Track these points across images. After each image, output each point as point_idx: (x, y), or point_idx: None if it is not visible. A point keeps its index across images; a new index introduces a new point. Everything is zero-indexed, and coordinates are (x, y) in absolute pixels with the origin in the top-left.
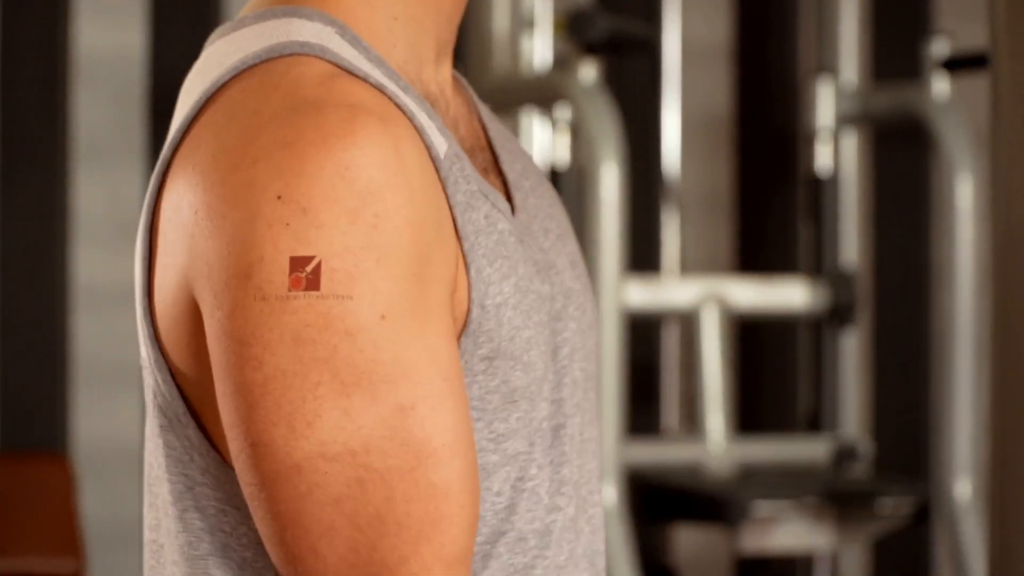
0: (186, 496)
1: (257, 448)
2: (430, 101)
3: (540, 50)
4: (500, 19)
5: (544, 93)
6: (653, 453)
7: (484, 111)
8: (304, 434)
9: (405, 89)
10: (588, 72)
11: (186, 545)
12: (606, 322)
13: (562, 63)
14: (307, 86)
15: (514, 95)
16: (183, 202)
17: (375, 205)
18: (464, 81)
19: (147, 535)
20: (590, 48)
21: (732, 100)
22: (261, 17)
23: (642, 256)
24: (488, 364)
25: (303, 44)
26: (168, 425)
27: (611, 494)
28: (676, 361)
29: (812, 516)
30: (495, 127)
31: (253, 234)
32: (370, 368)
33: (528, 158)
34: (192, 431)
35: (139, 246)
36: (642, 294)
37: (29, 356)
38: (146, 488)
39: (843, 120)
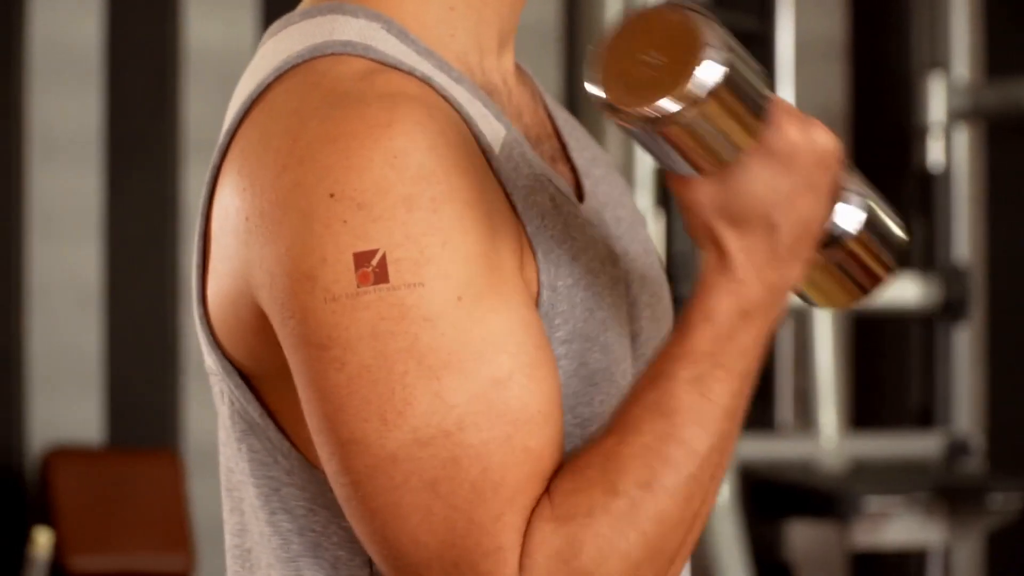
0: (273, 498)
1: (349, 446)
2: (492, 90)
3: None
4: (612, 14)
5: None
6: (766, 449)
7: (550, 101)
8: (396, 423)
9: (458, 79)
10: None
11: (279, 548)
12: None
13: None
14: (348, 82)
15: None
16: (231, 208)
17: (431, 189)
18: (529, 71)
19: (230, 540)
20: None
21: (845, 95)
22: (307, 15)
23: None
24: (568, 348)
25: (345, 43)
26: (249, 429)
27: (723, 489)
28: (790, 357)
29: (924, 511)
30: (562, 116)
31: (311, 236)
32: (456, 348)
33: (597, 147)
34: (272, 433)
35: (195, 255)
36: None
37: (139, 351)
38: (225, 493)
39: (955, 115)
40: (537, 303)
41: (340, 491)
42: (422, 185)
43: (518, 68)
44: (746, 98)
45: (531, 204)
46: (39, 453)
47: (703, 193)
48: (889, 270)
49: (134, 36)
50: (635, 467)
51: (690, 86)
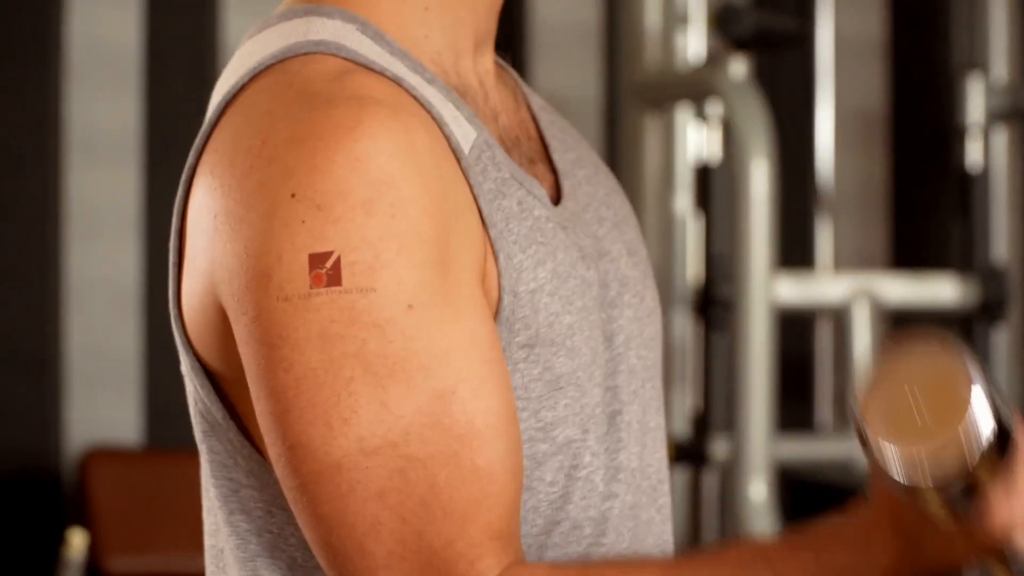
0: (232, 499)
1: (295, 450)
2: (467, 91)
3: (694, 46)
4: (652, 14)
5: (696, 89)
6: (805, 449)
7: (535, 100)
8: (342, 431)
9: (431, 80)
10: (738, 68)
11: (236, 548)
12: (755, 318)
13: (715, 59)
14: (318, 82)
15: (666, 91)
16: (203, 207)
17: (390, 195)
18: (511, 70)
19: (206, 540)
20: (740, 43)
21: (886, 96)
22: (284, 16)
23: (796, 252)
24: (528, 352)
25: (318, 43)
26: (210, 430)
27: (761, 489)
28: (829, 358)
29: None
30: (547, 117)
31: (270, 235)
32: (403, 357)
33: (585, 147)
34: (234, 434)
35: (171, 254)
36: (794, 290)
37: (178, 352)
38: (203, 493)
39: (993, 116)
40: (498, 309)
41: (289, 494)
42: (382, 190)
43: (499, 68)
44: (996, 458)
45: (496, 208)
46: (77, 454)
47: (897, 514)
48: None
49: (173, 37)
50: None
51: (951, 455)
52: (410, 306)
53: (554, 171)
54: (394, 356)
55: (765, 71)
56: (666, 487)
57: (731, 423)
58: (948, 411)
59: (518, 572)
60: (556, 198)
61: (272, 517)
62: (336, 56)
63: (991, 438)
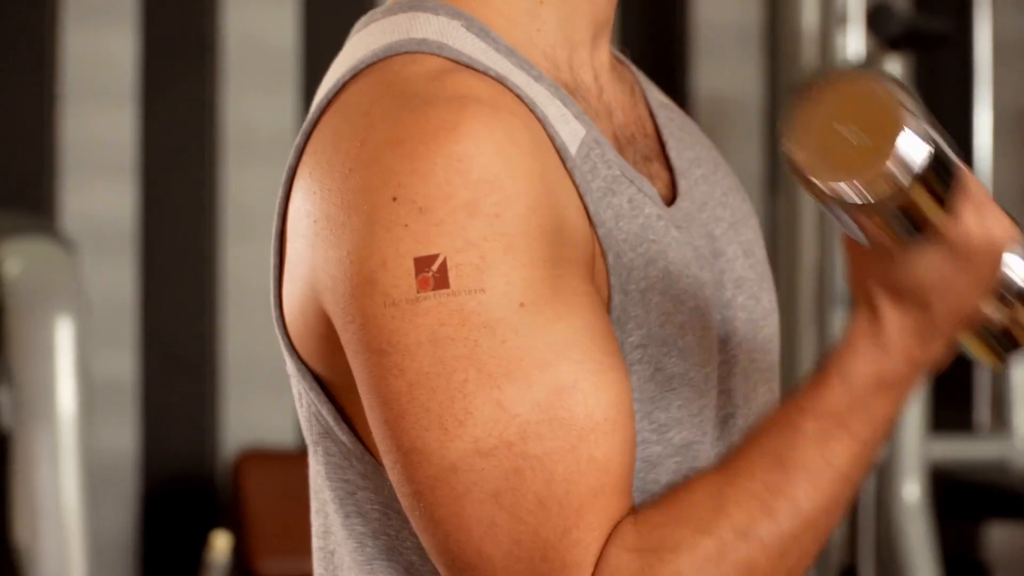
0: (348, 502)
1: (410, 456)
2: (579, 86)
3: (852, 46)
4: (809, 14)
5: None
6: (961, 450)
7: (654, 97)
8: (457, 433)
9: (538, 78)
10: (893, 68)
11: (354, 551)
12: None
13: (872, 59)
14: (418, 83)
15: None
16: (302, 210)
17: (494, 194)
18: (631, 65)
19: (315, 543)
20: (893, 43)
21: None
22: (389, 11)
23: None
24: (643, 352)
25: (420, 41)
26: (324, 433)
27: (914, 490)
28: None
29: None
30: (666, 114)
31: (373, 240)
32: (518, 356)
33: (705, 145)
34: (347, 436)
35: (272, 256)
36: None
37: None
38: (312, 495)
39: None
40: (609, 308)
41: (404, 500)
42: (485, 189)
43: (617, 63)
44: (937, 185)
45: (605, 206)
46: (232, 456)
47: (872, 262)
48: None
49: (329, 36)
50: (736, 511)
51: (889, 170)
52: (521, 304)
53: (670, 169)
54: (508, 355)
55: (923, 71)
56: None
57: None
58: (882, 134)
59: (613, 534)
60: (671, 197)
61: (388, 520)
62: (438, 56)
63: (927, 160)
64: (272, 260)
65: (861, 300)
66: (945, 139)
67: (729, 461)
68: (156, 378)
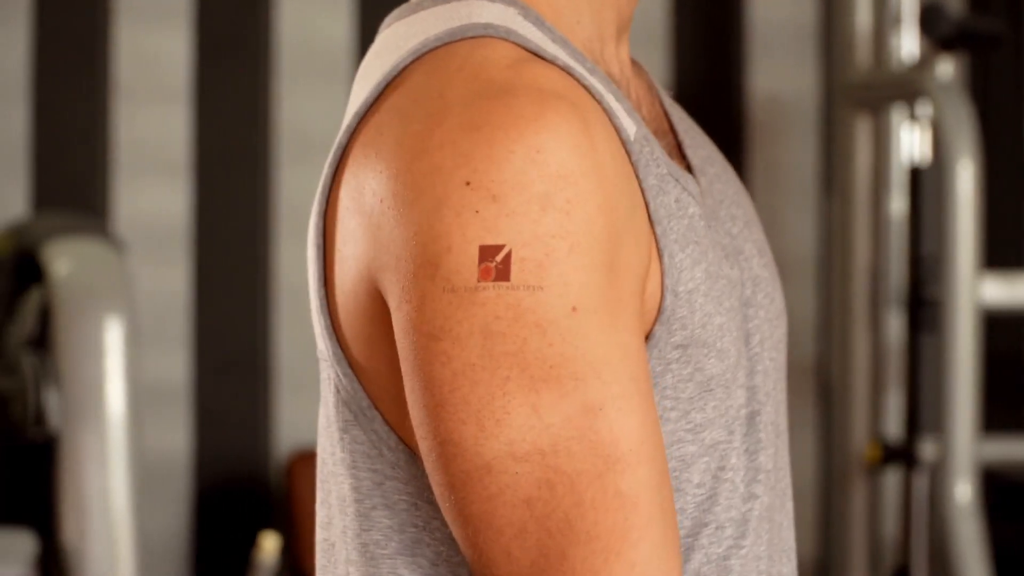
0: (375, 493)
1: (446, 447)
2: (614, 82)
3: (907, 46)
4: (863, 14)
5: (907, 90)
6: (1013, 450)
7: (664, 95)
8: (493, 433)
9: (591, 70)
10: (945, 68)
11: (371, 544)
12: (961, 319)
13: (926, 60)
14: (493, 69)
15: (877, 92)
16: (365, 189)
17: (567, 190)
18: (641, 63)
19: (319, 533)
20: (945, 44)
21: None
22: (436, 1)
23: (1006, 253)
24: (682, 352)
25: (487, 26)
26: (354, 420)
27: (966, 491)
28: None
29: None
30: (677, 113)
31: (441, 222)
32: (559, 363)
33: (712, 146)
34: (379, 424)
35: (313, 235)
36: (1003, 291)
37: None
38: (319, 484)
39: None
40: (660, 308)
41: (437, 489)
42: (560, 184)
43: (633, 60)
44: None
45: (659, 205)
46: (284, 458)
47: None
48: None
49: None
50: None
51: None
52: (574, 309)
53: (689, 168)
54: (551, 360)
55: (977, 72)
56: (791, 491)
57: (939, 424)
58: None
59: None
60: (699, 193)
61: (417, 511)
62: (507, 41)
63: None
64: (314, 240)
65: None
66: None
67: None
68: (209, 379)
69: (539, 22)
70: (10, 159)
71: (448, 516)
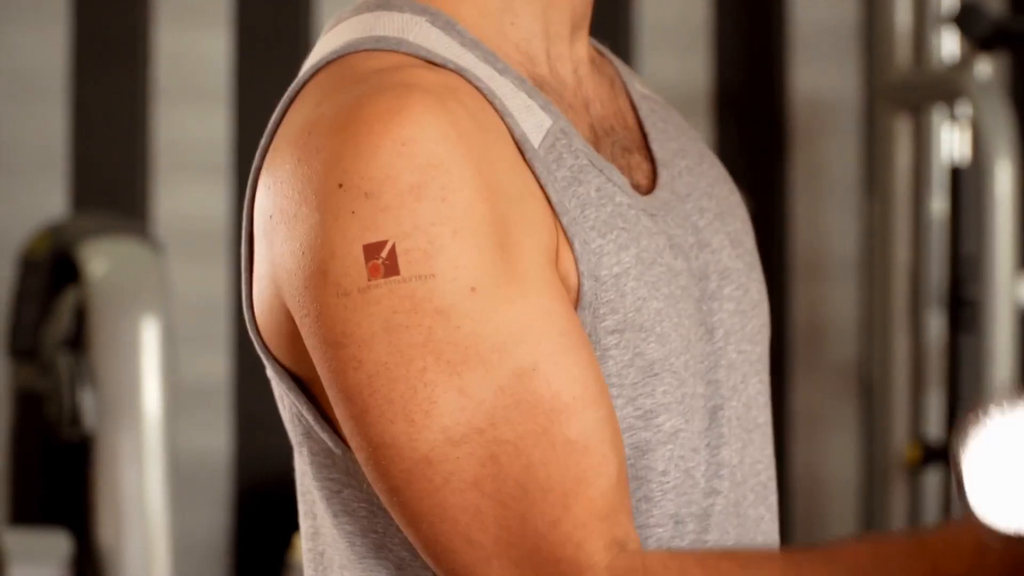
0: (335, 500)
1: (381, 451)
2: (556, 79)
3: (947, 46)
4: (903, 14)
5: (946, 90)
6: None
7: (637, 89)
8: (424, 424)
9: (502, 71)
10: (984, 68)
11: (346, 549)
12: (999, 319)
13: (966, 60)
14: (370, 74)
15: (917, 92)
16: (260, 208)
17: (440, 178)
18: (613, 58)
19: (304, 544)
20: (982, 44)
21: None
22: (356, 10)
23: None
24: (619, 337)
25: (379, 39)
26: (306, 433)
27: None
28: None
29: None
30: (649, 106)
31: (322, 229)
32: (473, 342)
33: (690, 137)
34: (327, 435)
35: (242, 256)
36: None
37: None
38: (299, 496)
39: None
40: (579, 294)
41: (383, 497)
42: (431, 173)
43: (597, 55)
44: None
45: (570, 195)
46: None
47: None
48: None
49: None
50: None
51: None
52: (473, 289)
53: (652, 160)
54: (464, 341)
55: (1018, 72)
56: (774, 485)
57: None
58: None
59: (630, 562)
60: (651, 187)
61: (375, 517)
62: (396, 52)
63: None
64: (243, 263)
65: (977, 559)
66: None
67: (797, 566)
68: (249, 380)
69: (448, 26)
70: (49, 159)
71: (401, 522)
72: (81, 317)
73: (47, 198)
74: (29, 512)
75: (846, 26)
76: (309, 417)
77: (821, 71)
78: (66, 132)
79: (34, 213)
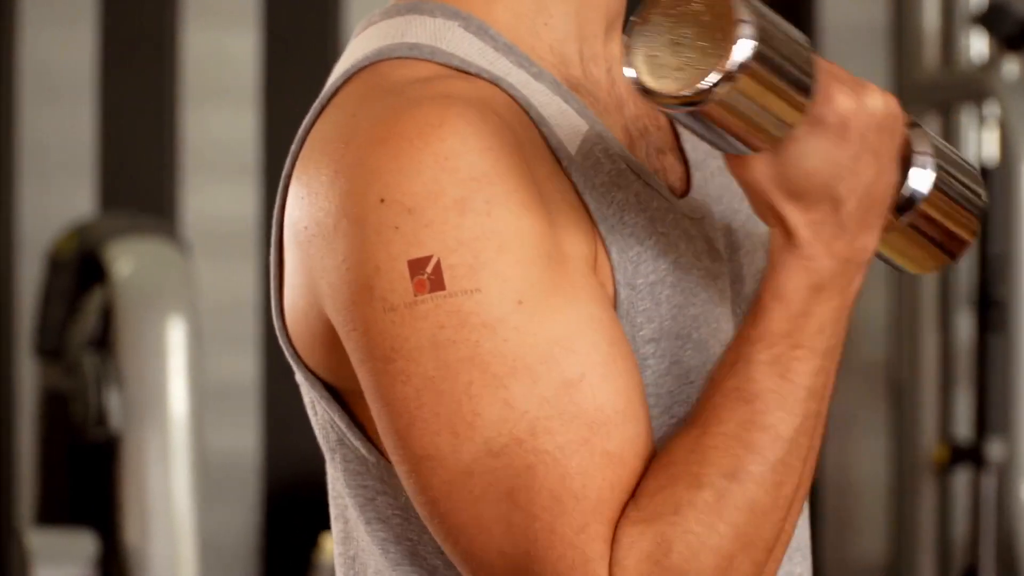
0: (368, 508)
1: (424, 463)
2: (590, 80)
3: (975, 46)
4: (931, 13)
5: (973, 90)
6: None
7: None
8: (468, 436)
9: (537, 75)
10: (1012, 68)
11: (380, 556)
12: None
13: (995, 60)
14: (406, 85)
15: (946, 92)
16: (294, 217)
17: (484, 191)
18: None
19: (336, 548)
20: (1010, 43)
21: None
22: (387, 14)
23: None
24: (655, 346)
25: (412, 46)
26: (339, 440)
27: None
28: None
29: None
30: None
31: (364, 244)
32: (520, 354)
33: None
34: (361, 443)
35: (272, 263)
36: None
37: None
38: (331, 501)
39: None
40: (616, 303)
41: (421, 510)
42: (474, 187)
43: None
44: (786, 71)
45: (608, 201)
46: None
47: (759, 171)
48: (971, 231)
49: None
50: (719, 457)
51: (722, 64)
52: (520, 302)
53: (685, 162)
54: (511, 354)
55: None
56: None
57: (1008, 425)
58: (714, 35)
59: (617, 537)
60: (685, 189)
61: (409, 524)
62: (429, 61)
63: (758, 49)
64: (272, 270)
65: (768, 216)
66: (793, 32)
67: (697, 413)
68: (277, 380)
69: (481, 31)
70: (78, 160)
71: (438, 535)
72: (107, 317)
73: (75, 199)
74: (55, 512)
75: (875, 26)
76: (342, 425)
77: (849, 71)
78: (94, 133)
79: (62, 214)
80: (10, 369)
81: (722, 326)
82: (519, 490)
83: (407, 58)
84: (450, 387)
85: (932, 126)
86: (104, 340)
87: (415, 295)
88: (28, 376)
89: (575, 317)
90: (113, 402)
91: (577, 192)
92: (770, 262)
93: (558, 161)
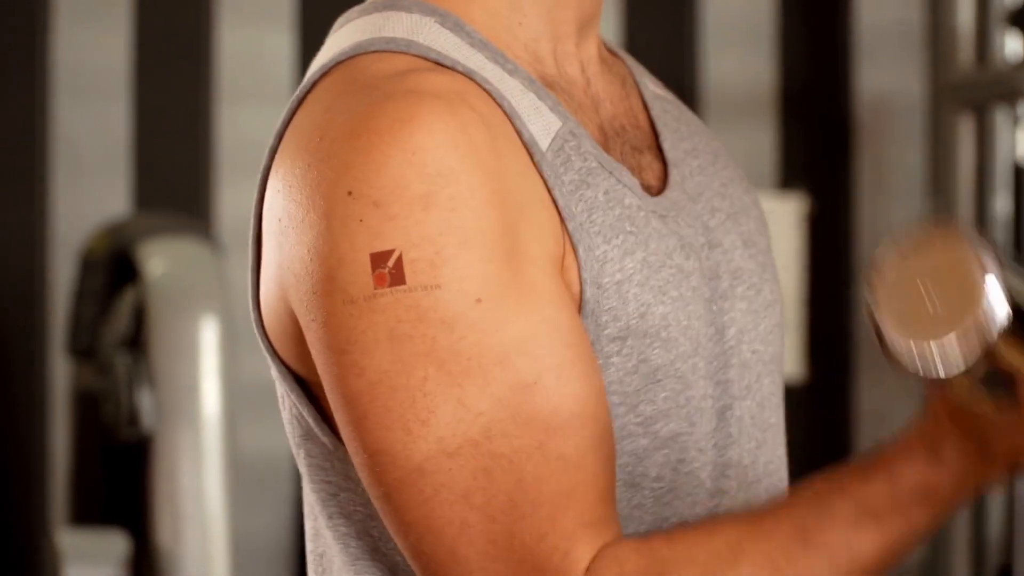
0: (331, 503)
1: (376, 458)
2: (564, 79)
3: (1010, 46)
4: (965, 13)
5: (1008, 88)
6: None
7: (649, 89)
8: (420, 434)
9: (512, 71)
10: None
11: (340, 552)
12: None
13: None
14: (381, 79)
15: (980, 91)
16: (271, 210)
17: (449, 188)
18: (626, 56)
19: (308, 545)
20: None
21: None
22: (364, 11)
23: None
24: (621, 344)
25: (389, 40)
26: (305, 435)
27: None
28: None
29: None
30: (662, 105)
31: (330, 236)
32: (476, 353)
33: (704, 136)
34: (328, 438)
35: (250, 256)
36: None
37: None
38: (304, 498)
39: None
40: (581, 301)
41: (376, 503)
42: (440, 183)
43: (609, 55)
44: (1015, 347)
45: (577, 199)
46: None
47: (947, 402)
48: None
49: None
50: (747, 568)
51: (966, 343)
52: (478, 300)
53: (664, 160)
54: (467, 352)
55: None
56: (785, 486)
57: None
58: (962, 299)
59: (608, 556)
60: (662, 187)
61: (372, 521)
62: (405, 53)
63: (1006, 320)
64: (250, 263)
65: (930, 419)
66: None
67: (756, 518)
68: None
69: (457, 27)
70: (112, 159)
71: (391, 529)
72: (140, 317)
73: (110, 198)
74: (87, 512)
75: (909, 26)
76: (309, 419)
77: (885, 71)
78: (129, 132)
79: (97, 213)
80: (42, 369)
81: (693, 324)
82: (475, 492)
83: (384, 51)
84: (404, 382)
85: (966, 125)
86: (136, 340)
87: (375, 288)
88: (60, 376)
89: (534, 319)
90: (145, 402)
91: (548, 189)
92: (904, 441)
93: (530, 156)
